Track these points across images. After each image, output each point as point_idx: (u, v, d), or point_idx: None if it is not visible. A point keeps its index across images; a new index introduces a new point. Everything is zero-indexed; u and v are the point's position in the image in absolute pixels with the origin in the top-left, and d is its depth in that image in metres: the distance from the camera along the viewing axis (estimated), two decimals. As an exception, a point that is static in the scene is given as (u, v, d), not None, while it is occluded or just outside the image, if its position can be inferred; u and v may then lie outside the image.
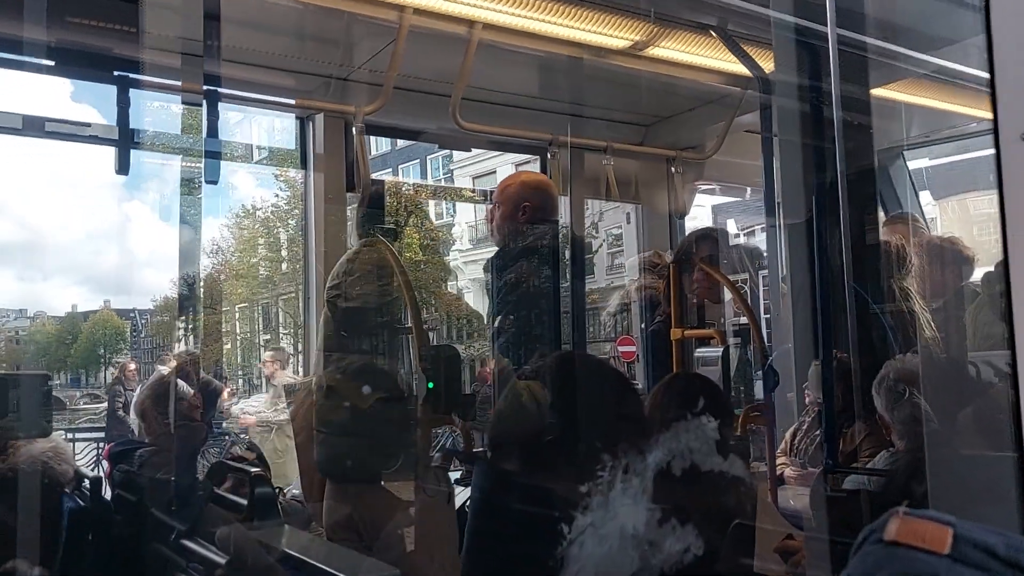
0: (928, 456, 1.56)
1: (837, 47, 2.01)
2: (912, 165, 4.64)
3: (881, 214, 3.73)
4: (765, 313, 3.86)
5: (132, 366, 9.11)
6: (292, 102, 3.26)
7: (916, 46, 2.55)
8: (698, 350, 3.49)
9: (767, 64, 3.30)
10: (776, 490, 3.07)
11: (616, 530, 1.09)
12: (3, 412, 2.11)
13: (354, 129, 3.19)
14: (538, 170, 4.09)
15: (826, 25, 2.03)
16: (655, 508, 1.10)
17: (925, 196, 4.85)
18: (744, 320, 3.65)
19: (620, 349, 5.72)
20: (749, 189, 4.94)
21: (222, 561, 1.58)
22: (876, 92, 2.60)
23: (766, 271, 4.61)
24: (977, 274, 3.56)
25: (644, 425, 1.46)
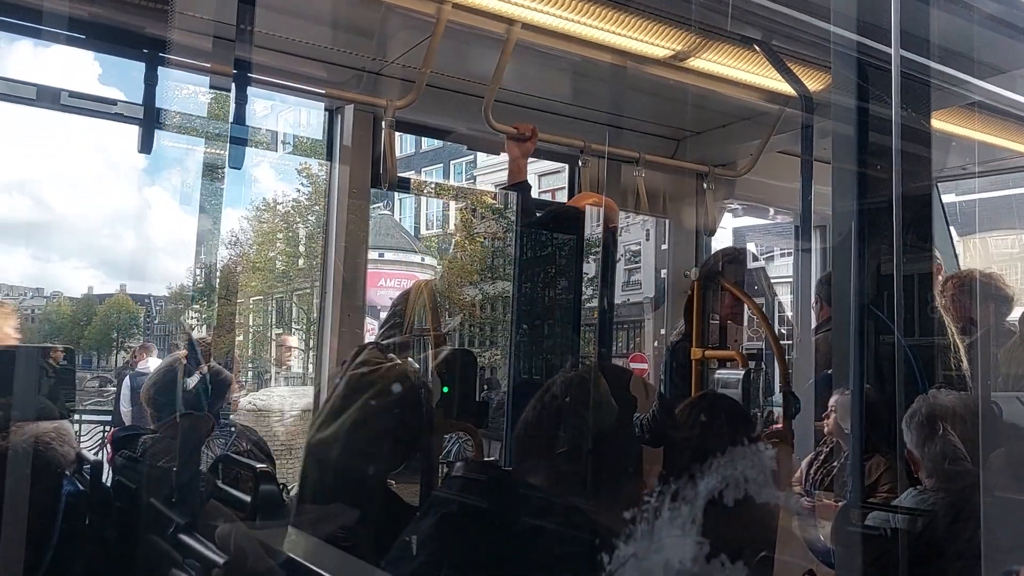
0: (983, 500, 1.47)
1: (900, 69, 1.92)
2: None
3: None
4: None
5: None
6: (322, 91, 3.20)
7: (976, 74, 2.47)
8: (718, 372, 3.40)
9: (810, 83, 3.22)
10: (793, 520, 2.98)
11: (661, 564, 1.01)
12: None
13: (384, 123, 3.12)
14: (566, 179, 4.04)
15: (888, 46, 1.94)
16: (703, 541, 1.02)
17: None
18: (759, 343, 3.58)
19: (632, 366, 5.66)
20: (772, 210, 4.87)
21: (220, 560, 1.51)
22: (931, 118, 2.52)
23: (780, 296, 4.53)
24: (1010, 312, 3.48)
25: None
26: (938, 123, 3.48)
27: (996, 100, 3.10)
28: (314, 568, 1.35)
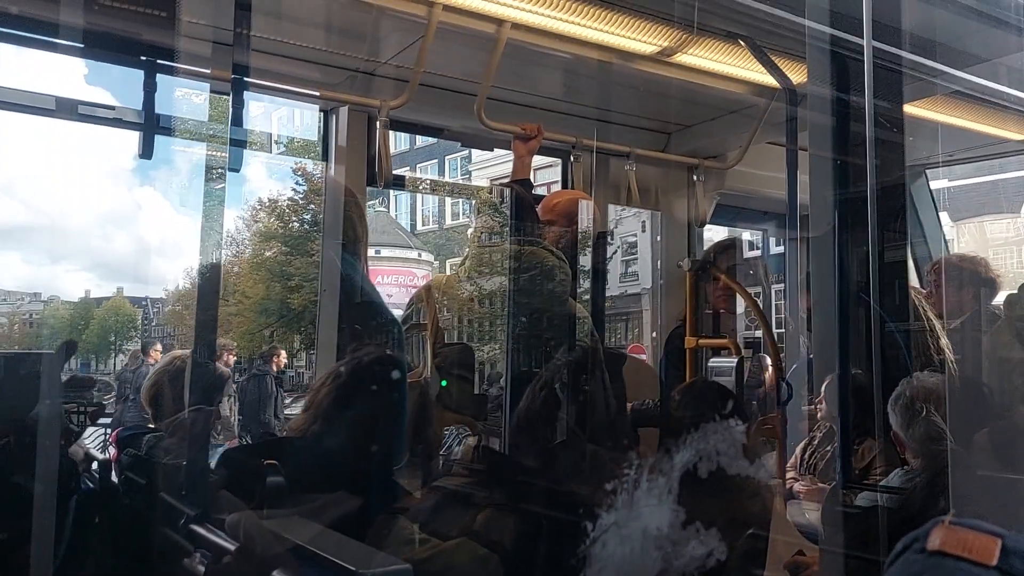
0: (952, 476, 1.53)
1: (872, 60, 1.98)
2: (933, 185, 4.61)
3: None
4: (776, 328, 3.85)
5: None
6: (317, 93, 3.25)
7: (951, 63, 2.53)
8: (712, 360, 3.47)
9: (795, 76, 3.28)
10: (785, 504, 3.05)
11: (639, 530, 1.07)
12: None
13: (378, 123, 3.17)
14: (559, 174, 4.09)
15: (861, 37, 2.00)
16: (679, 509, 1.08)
17: (943, 217, 4.82)
18: (755, 333, 3.65)
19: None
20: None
21: (231, 547, 1.58)
22: (908, 107, 2.58)
23: (778, 286, 4.59)
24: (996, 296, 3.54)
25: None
26: (923, 111, 3.54)
27: (977, 90, 3.16)
28: (318, 552, 1.42)
